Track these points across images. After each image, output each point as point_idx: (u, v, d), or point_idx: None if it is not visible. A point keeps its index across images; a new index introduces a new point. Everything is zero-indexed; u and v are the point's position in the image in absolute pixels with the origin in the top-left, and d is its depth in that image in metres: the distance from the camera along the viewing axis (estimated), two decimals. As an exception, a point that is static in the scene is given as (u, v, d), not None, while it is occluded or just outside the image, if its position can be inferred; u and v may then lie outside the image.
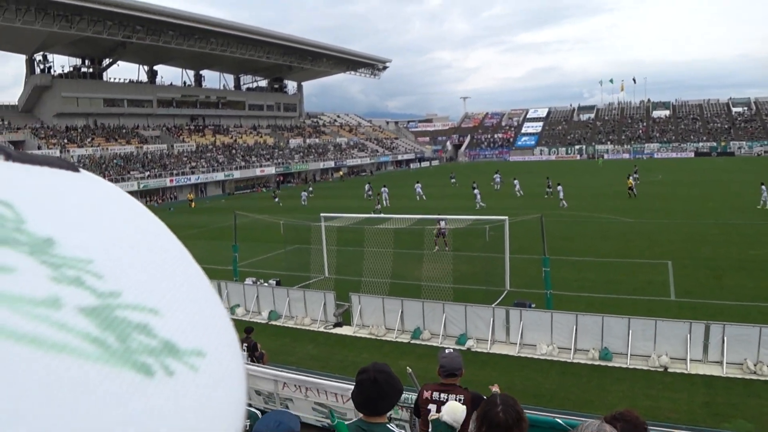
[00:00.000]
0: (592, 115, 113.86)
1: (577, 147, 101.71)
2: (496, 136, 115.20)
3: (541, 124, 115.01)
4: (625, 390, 11.79)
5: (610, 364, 12.94)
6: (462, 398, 5.05)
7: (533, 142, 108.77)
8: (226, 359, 0.39)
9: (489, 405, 3.40)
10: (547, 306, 15.59)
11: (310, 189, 56.09)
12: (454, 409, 4.50)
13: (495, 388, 5.43)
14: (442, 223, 24.49)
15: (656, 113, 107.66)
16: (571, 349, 13.44)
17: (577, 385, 12.19)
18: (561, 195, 38.06)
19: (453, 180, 59.34)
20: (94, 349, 0.31)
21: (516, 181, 47.01)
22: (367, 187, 51.01)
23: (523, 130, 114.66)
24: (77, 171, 0.48)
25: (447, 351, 5.42)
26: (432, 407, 5.11)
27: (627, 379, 12.33)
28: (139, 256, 0.41)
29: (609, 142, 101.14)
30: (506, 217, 19.23)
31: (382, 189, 45.30)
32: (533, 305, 15.53)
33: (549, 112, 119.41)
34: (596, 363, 13.03)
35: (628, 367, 12.72)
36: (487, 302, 16.43)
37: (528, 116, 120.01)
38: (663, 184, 48.87)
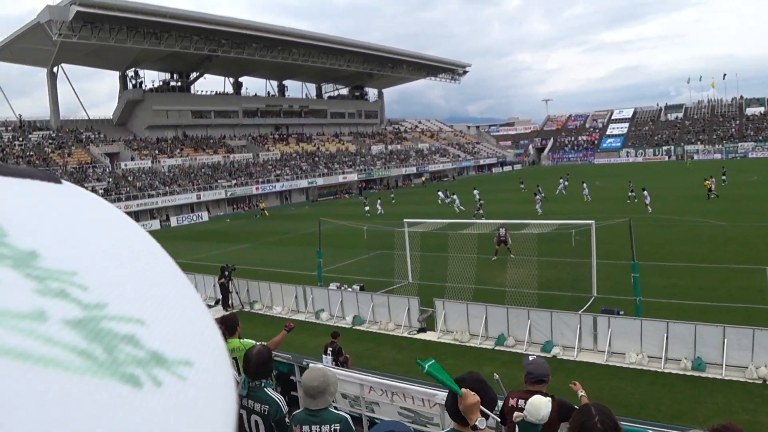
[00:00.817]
0: (681, 115, 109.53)
1: (665, 148, 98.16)
2: (580, 138, 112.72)
3: (626, 125, 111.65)
4: (720, 402, 11.33)
5: (703, 374, 12.46)
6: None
7: (619, 144, 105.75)
8: (214, 368, 0.38)
9: (585, 415, 3.37)
10: (636, 313, 15.19)
11: (392, 196, 56.24)
12: (536, 406, 4.44)
13: (579, 390, 5.35)
14: (502, 231, 24.28)
15: (750, 110, 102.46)
16: (661, 359, 13.02)
17: (668, 396, 11.80)
18: (647, 201, 36.47)
19: (522, 186, 57.85)
20: (81, 362, 0.31)
21: (585, 185, 45.88)
22: (441, 194, 50.50)
23: (608, 132, 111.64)
24: (59, 183, 0.48)
25: (532, 358, 5.39)
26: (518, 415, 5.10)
27: (722, 390, 11.83)
28: (124, 267, 0.40)
29: (699, 142, 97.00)
30: (593, 222, 18.84)
31: (453, 195, 45.99)
32: (621, 312, 15.13)
33: (635, 113, 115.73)
34: (689, 373, 12.58)
35: (724, 378, 12.21)
36: (573, 309, 16.12)
37: (613, 117, 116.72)
38: (758, 185, 46.56)
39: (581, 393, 5.24)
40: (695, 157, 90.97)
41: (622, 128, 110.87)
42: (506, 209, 38.27)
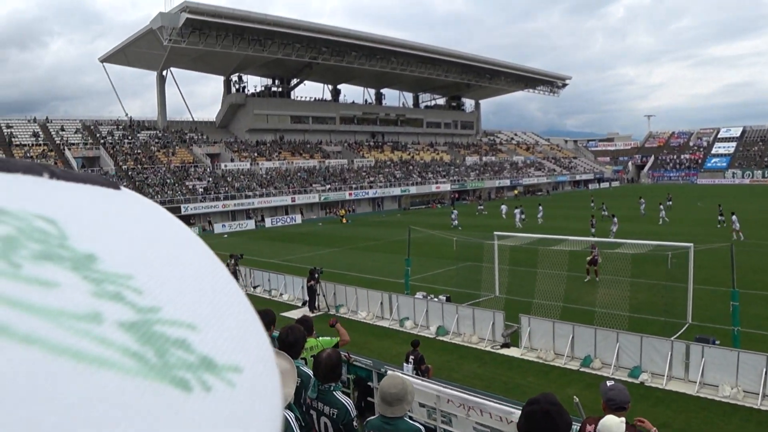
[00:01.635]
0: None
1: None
2: (682, 156, 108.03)
3: (734, 144, 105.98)
4: (822, 444, 10.63)
5: (805, 413, 11.71)
6: None
7: (725, 164, 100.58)
8: (263, 375, 0.39)
9: None
10: (733, 344, 14.42)
11: (480, 207, 55.42)
12: (608, 428, 4.28)
13: (651, 429, 5.13)
14: (595, 250, 23.46)
15: None
16: (759, 394, 12.31)
17: (764, 434, 11.16)
18: (736, 226, 33.52)
19: (593, 204, 53.14)
20: (133, 364, 0.32)
21: (661, 206, 43.83)
22: (517, 211, 46.93)
23: (714, 151, 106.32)
24: (118, 188, 0.49)
25: (610, 383, 5.20)
26: None
27: (826, 433, 11.10)
28: (178, 272, 0.41)
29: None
30: (691, 244, 18.07)
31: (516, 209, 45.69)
32: (717, 342, 14.42)
33: (743, 132, 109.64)
34: (789, 412, 11.85)
35: (829, 419, 11.45)
36: (665, 334, 15.51)
37: (719, 136, 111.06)
38: None
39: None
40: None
41: (729, 148, 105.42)
42: (566, 225, 37.05)
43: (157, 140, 66.00)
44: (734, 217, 34.14)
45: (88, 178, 0.47)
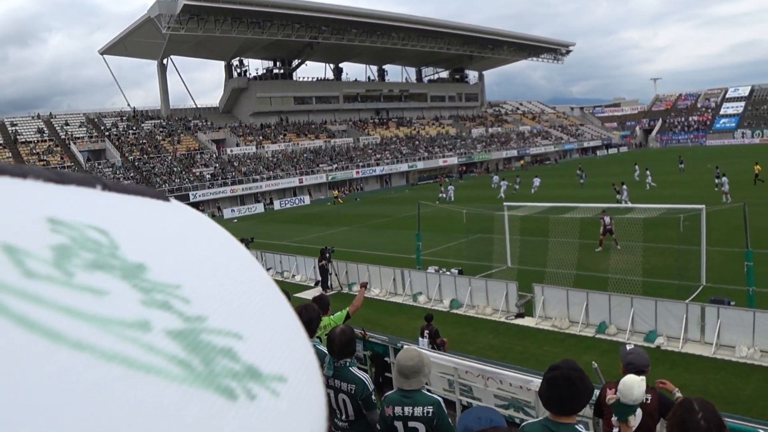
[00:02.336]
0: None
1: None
2: (690, 119, 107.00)
3: (742, 104, 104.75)
4: (841, 401, 10.58)
5: (824, 371, 11.67)
6: (649, 397, 4.85)
7: (734, 125, 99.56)
8: (307, 385, 0.39)
9: (686, 412, 3.16)
10: (748, 304, 14.37)
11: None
12: (629, 386, 4.21)
13: (674, 390, 5.09)
14: (607, 219, 22.86)
15: None
16: (776, 352, 12.30)
17: (783, 394, 11.12)
18: (726, 188, 32.76)
19: (579, 173, 51.50)
20: (179, 371, 0.32)
21: (648, 172, 43.38)
22: (500, 182, 47.71)
23: (722, 112, 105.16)
24: (167, 200, 0.50)
25: (630, 347, 5.18)
26: None
27: None
28: (225, 283, 0.42)
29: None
30: (703, 206, 17.95)
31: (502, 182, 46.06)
32: (732, 303, 14.37)
33: (752, 91, 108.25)
34: (807, 369, 11.81)
35: None
36: (679, 298, 15.46)
37: (727, 96, 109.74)
38: None
39: (677, 393, 5.00)
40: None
41: (738, 107, 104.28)
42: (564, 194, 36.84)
43: (161, 129, 66.01)
44: (724, 179, 33.39)
45: (138, 190, 0.48)
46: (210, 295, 0.39)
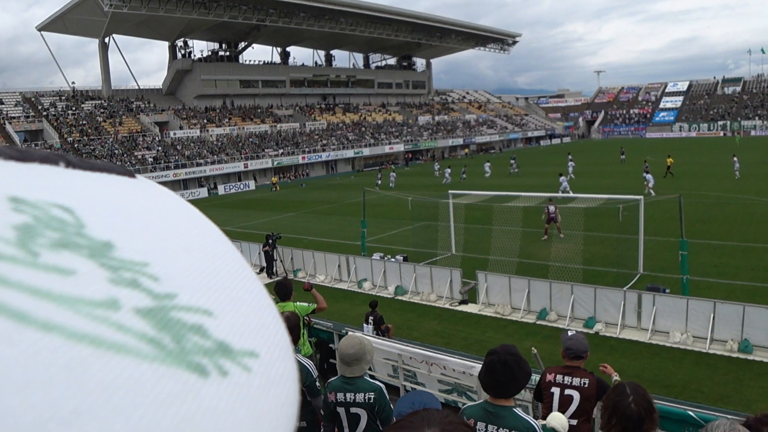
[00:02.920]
0: (738, 88, 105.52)
1: (720, 123, 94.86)
2: (631, 111, 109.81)
3: (681, 98, 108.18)
4: (766, 386, 11.06)
5: (750, 357, 12.15)
6: (587, 382, 4.96)
7: (672, 118, 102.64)
8: (279, 360, 0.39)
9: (618, 395, 3.29)
10: (682, 292, 14.88)
11: (436, 167, 55.33)
12: (560, 420, 4.37)
13: (612, 374, 5.26)
14: (552, 207, 22.87)
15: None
16: (707, 339, 12.76)
17: (711, 378, 11.57)
18: (650, 183, 33.38)
19: (512, 162, 52.34)
20: (150, 349, 0.32)
21: (570, 161, 44.74)
22: (443, 169, 49.23)
23: (662, 105, 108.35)
24: (134, 177, 0.50)
25: (571, 333, 5.30)
26: (555, 390, 5.03)
27: (769, 373, 11.57)
28: (194, 259, 0.42)
29: (757, 117, 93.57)
30: (641, 197, 18.49)
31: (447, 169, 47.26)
32: (668, 290, 14.85)
33: (690, 86, 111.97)
34: (734, 355, 12.29)
35: (772, 360, 11.93)
36: (618, 285, 15.92)
37: (667, 90, 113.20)
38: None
39: (615, 377, 5.15)
40: (753, 132, 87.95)
41: (676, 102, 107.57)
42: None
43: (102, 110, 64.05)
44: (648, 176, 34.04)
45: (104, 166, 0.47)
46: (179, 272, 0.39)
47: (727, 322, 12.64)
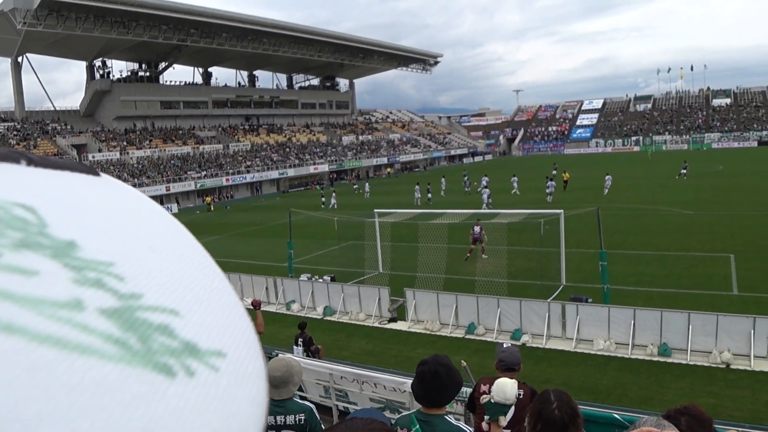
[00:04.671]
0: (649, 105, 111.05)
1: (633, 138, 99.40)
2: (550, 128, 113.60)
3: (596, 115, 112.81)
4: (685, 387, 11.53)
5: (669, 360, 12.67)
6: (521, 393, 4.99)
7: (589, 135, 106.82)
8: (247, 359, 0.39)
9: (543, 402, 3.35)
10: (604, 301, 15.37)
11: (355, 187, 54.90)
12: (502, 387, 4.39)
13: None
14: (477, 228, 22.85)
15: (716, 101, 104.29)
16: (629, 345, 13.22)
17: (635, 382, 11.98)
18: (551, 190, 37.60)
19: (466, 178, 52.91)
20: (116, 350, 0.31)
21: (514, 180, 45.98)
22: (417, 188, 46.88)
23: (578, 122, 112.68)
24: (98, 175, 0.49)
25: (506, 345, 5.35)
26: None
27: (687, 375, 12.06)
28: (160, 258, 0.41)
29: (667, 133, 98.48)
30: (561, 211, 19.03)
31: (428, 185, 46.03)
32: (590, 300, 15.31)
33: (604, 104, 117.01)
34: (655, 359, 12.78)
35: (689, 363, 12.44)
36: (542, 297, 16.28)
37: (583, 108, 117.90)
38: (724, 176, 47.38)
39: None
40: (664, 147, 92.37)
41: (592, 119, 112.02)
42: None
43: (15, 132, 61.34)
44: (551, 183, 38.22)
45: (66, 164, 0.46)
46: (145, 271, 0.38)
47: (646, 328, 13.14)
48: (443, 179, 50.97)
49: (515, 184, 44.99)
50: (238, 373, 0.37)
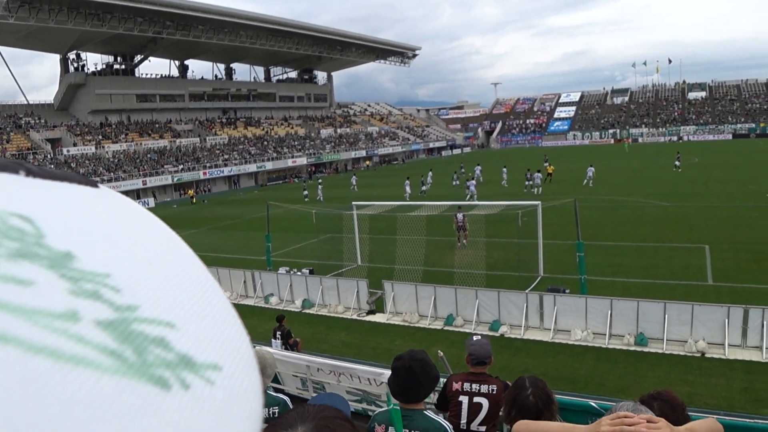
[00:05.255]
0: (626, 99, 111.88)
1: (610, 131, 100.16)
2: (528, 121, 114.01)
3: (573, 108, 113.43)
4: (661, 375, 11.64)
5: (645, 349, 12.79)
6: (494, 388, 4.90)
7: (566, 127, 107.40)
8: (242, 373, 0.39)
9: (518, 389, 3.36)
10: (581, 291, 15.46)
11: (320, 181, 54.10)
12: None
13: None
14: (460, 216, 23.27)
15: (692, 95, 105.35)
16: (606, 335, 13.31)
17: (612, 371, 12.07)
18: (537, 182, 38.49)
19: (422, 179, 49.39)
20: (111, 362, 0.31)
21: (504, 170, 46.52)
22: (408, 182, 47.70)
23: (556, 115, 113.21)
24: (96, 187, 0.48)
25: (475, 338, 5.21)
26: (463, 399, 4.84)
27: (663, 364, 12.18)
28: (157, 271, 0.41)
29: (643, 126, 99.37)
30: (539, 202, 19.10)
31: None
32: (567, 291, 15.40)
33: (582, 97, 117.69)
34: (632, 348, 12.89)
35: (665, 352, 12.56)
36: (520, 288, 16.33)
37: (560, 101, 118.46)
38: (700, 168, 47.88)
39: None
40: (640, 140, 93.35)
41: (570, 111, 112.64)
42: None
43: (-14, 126, 60.45)
44: (537, 174, 38.78)
45: (65, 176, 0.46)
46: (141, 283, 0.38)
47: (623, 318, 13.24)
48: (430, 172, 50.82)
49: (505, 176, 45.28)
50: (233, 386, 0.37)
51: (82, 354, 0.31)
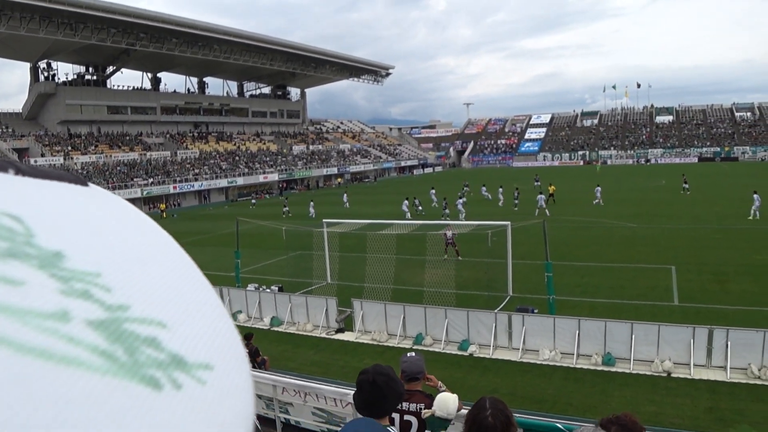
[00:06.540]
0: (596, 121, 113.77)
1: (580, 153, 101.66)
2: (499, 142, 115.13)
3: (544, 130, 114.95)
4: (628, 395, 11.70)
5: (613, 369, 12.86)
6: (422, 406, 4.85)
7: (536, 148, 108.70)
8: (234, 372, 0.39)
9: (478, 409, 3.36)
10: (549, 311, 15.51)
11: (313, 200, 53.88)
12: (444, 402, 4.35)
13: (438, 385, 5.23)
14: (449, 233, 23.70)
15: (660, 118, 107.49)
16: (574, 355, 13.36)
17: (579, 391, 12.10)
18: (541, 204, 38.05)
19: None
20: (102, 362, 0.31)
21: (483, 188, 47.36)
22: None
23: (527, 136, 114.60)
24: (86, 185, 0.48)
25: (409, 354, 5.18)
26: (395, 416, 4.73)
27: (630, 384, 12.24)
28: (148, 270, 0.41)
29: (612, 148, 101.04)
30: (508, 223, 19.18)
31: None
32: (536, 310, 15.44)
33: (552, 118, 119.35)
34: (599, 368, 12.95)
35: (632, 372, 12.64)
36: (489, 308, 16.34)
37: (531, 122, 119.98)
38: (666, 190, 48.67)
39: (442, 389, 5.11)
40: (609, 161, 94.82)
41: (540, 133, 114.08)
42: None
43: (-49, 135, 59.21)
44: (541, 196, 37.88)
45: (55, 174, 0.46)
46: (132, 283, 0.38)
47: (591, 338, 13.30)
48: (432, 190, 50.06)
49: (501, 195, 45.49)
50: (225, 386, 0.37)
51: (73, 354, 0.31)
